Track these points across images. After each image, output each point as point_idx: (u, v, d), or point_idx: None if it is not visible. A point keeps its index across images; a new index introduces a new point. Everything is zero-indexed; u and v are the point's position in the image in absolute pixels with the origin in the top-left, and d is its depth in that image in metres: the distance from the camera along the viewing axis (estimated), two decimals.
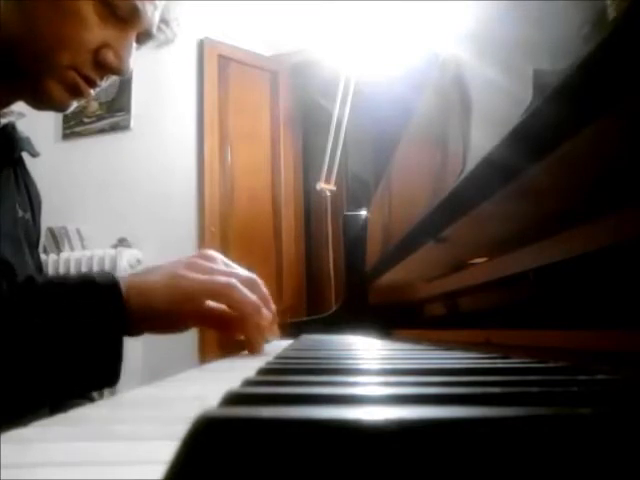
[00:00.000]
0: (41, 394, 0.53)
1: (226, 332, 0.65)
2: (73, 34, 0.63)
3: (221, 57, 3.09)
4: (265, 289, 0.63)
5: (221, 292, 0.59)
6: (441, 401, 0.18)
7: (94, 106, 3.16)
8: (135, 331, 0.59)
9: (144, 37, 0.70)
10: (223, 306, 0.62)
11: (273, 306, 0.65)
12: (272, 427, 0.12)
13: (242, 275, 0.61)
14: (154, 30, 0.70)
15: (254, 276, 0.63)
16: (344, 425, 0.12)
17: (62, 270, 2.86)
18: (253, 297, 0.60)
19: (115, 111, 3.15)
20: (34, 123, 2.53)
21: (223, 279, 0.59)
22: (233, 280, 0.59)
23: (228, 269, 0.61)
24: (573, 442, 0.12)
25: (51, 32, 0.63)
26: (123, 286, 0.56)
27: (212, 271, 0.59)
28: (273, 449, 0.12)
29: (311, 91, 3.14)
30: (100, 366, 0.54)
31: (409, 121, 0.75)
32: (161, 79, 3.12)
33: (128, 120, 3.12)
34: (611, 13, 0.21)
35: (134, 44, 0.69)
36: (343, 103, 2.55)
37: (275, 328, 0.67)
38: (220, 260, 0.63)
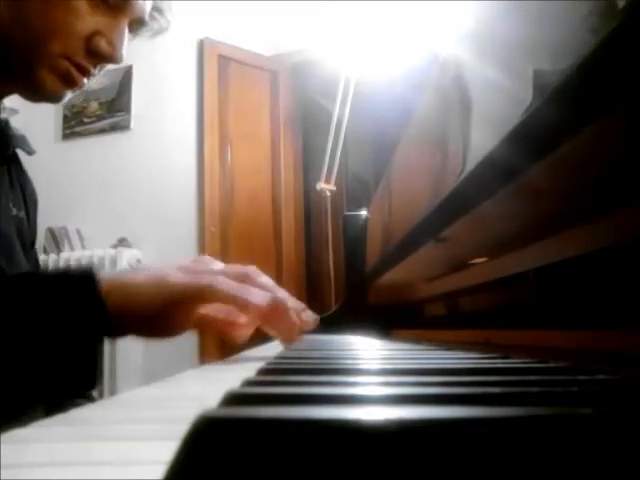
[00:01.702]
0: (17, 395, 0.48)
1: (229, 334, 0.61)
2: (64, 22, 0.63)
3: (221, 57, 3.09)
4: (265, 278, 0.58)
5: (205, 291, 0.54)
6: (441, 401, 0.18)
7: (94, 106, 3.16)
8: (117, 332, 0.55)
9: (137, 25, 0.70)
10: (222, 307, 0.58)
11: (284, 292, 0.60)
12: (272, 427, 0.12)
13: (233, 271, 0.57)
14: (147, 17, 0.70)
15: (250, 268, 0.58)
16: (344, 425, 0.12)
17: None
18: (245, 289, 0.55)
19: (115, 111, 3.15)
20: (34, 123, 2.53)
21: (207, 278, 0.54)
22: (220, 278, 0.54)
23: (218, 269, 0.57)
24: (573, 442, 0.12)
25: (42, 20, 0.62)
26: (103, 282, 0.51)
27: (199, 272, 0.55)
28: (273, 449, 0.12)
29: (311, 91, 3.14)
30: (77, 363, 0.50)
31: (409, 121, 0.75)
32: (161, 79, 3.12)
33: (128, 120, 3.12)
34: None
35: (127, 32, 0.68)
36: (343, 103, 2.55)
37: (304, 314, 0.62)
38: (215, 264, 0.58)
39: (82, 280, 0.51)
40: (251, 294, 0.54)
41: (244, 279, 0.56)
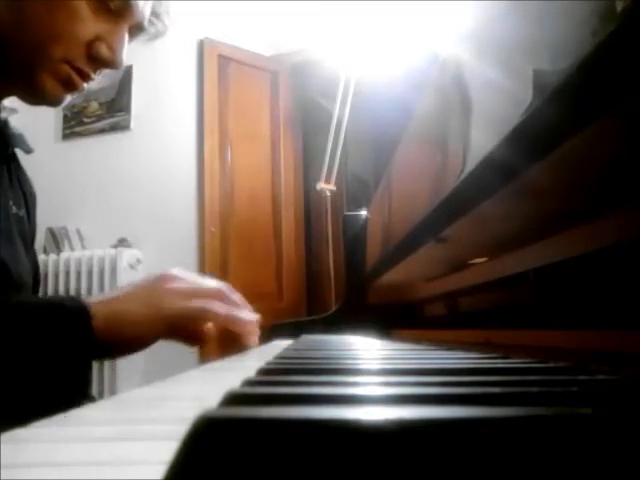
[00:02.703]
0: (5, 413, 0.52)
1: (203, 346, 0.68)
2: (66, 27, 0.63)
3: (221, 57, 3.08)
4: (235, 295, 0.66)
5: (198, 317, 0.61)
6: (441, 401, 0.18)
7: (94, 106, 3.16)
8: (115, 354, 0.61)
9: (136, 30, 0.70)
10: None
11: (248, 307, 0.68)
12: (272, 427, 0.12)
13: (211, 290, 0.64)
14: (146, 23, 0.71)
15: (221, 285, 0.65)
16: (344, 425, 0.12)
17: (62, 270, 2.86)
18: (224, 308, 0.63)
19: (115, 111, 3.15)
20: (34, 123, 2.53)
21: (197, 304, 0.61)
22: (208, 304, 0.62)
23: (197, 288, 0.63)
24: (573, 442, 0.12)
25: (44, 26, 0.63)
26: (97, 311, 0.56)
27: (186, 297, 0.61)
28: (273, 449, 0.12)
29: (311, 91, 3.14)
30: (65, 388, 0.54)
31: (409, 121, 0.75)
32: (161, 79, 3.12)
33: (128, 120, 3.12)
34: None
35: (127, 37, 0.69)
36: (343, 103, 2.55)
37: (255, 331, 0.69)
38: (186, 279, 0.64)
39: (75, 316, 0.55)
40: (242, 316, 0.64)
41: (223, 298, 0.63)
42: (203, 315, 0.61)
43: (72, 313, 0.55)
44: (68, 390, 0.54)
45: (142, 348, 0.61)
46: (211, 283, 0.65)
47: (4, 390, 0.50)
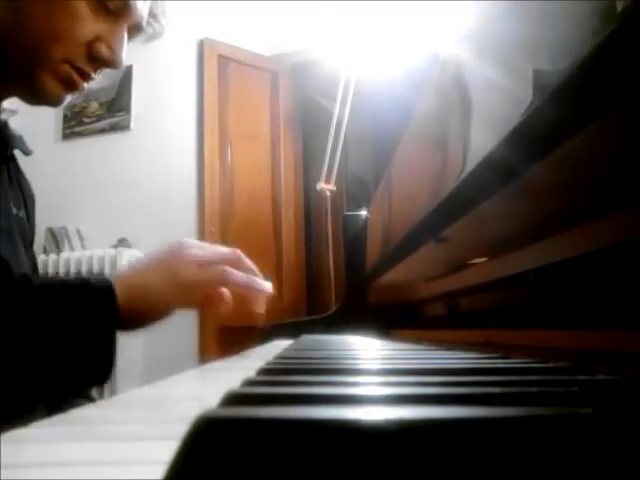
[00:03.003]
0: (34, 392, 0.54)
1: (216, 309, 0.69)
2: (67, 28, 0.64)
3: (221, 57, 3.08)
4: (248, 261, 0.68)
5: (216, 283, 0.64)
6: (441, 401, 0.18)
7: (94, 106, 3.16)
8: (135, 327, 0.62)
9: (134, 30, 0.71)
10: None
11: (260, 274, 0.70)
12: (272, 427, 0.12)
13: (227, 256, 0.66)
14: (144, 23, 0.71)
15: (236, 252, 0.67)
16: (344, 425, 0.12)
17: (62, 270, 2.86)
18: (243, 276, 0.65)
19: (115, 111, 3.15)
20: (34, 123, 2.52)
21: (217, 271, 0.64)
22: (226, 269, 0.64)
23: (213, 254, 0.66)
24: (573, 442, 0.12)
25: (44, 26, 0.64)
26: (120, 287, 0.58)
27: (203, 264, 0.64)
28: (273, 449, 0.12)
29: (311, 91, 3.14)
30: (92, 366, 0.56)
31: (409, 121, 0.75)
32: (161, 79, 3.12)
33: (128, 120, 3.12)
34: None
35: (126, 37, 0.69)
36: (343, 103, 2.55)
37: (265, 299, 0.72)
38: (201, 246, 0.67)
39: (102, 292, 0.57)
40: (258, 284, 0.66)
41: (238, 264, 0.66)
42: (221, 281, 0.64)
43: (98, 292, 0.57)
44: (94, 369, 0.56)
45: (162, 318, 0.63)
46: (225, 250, 0.68)
47: (26, 374, 0.52)
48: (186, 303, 0.64)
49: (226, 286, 0.65)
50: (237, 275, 0.65)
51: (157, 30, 0.77)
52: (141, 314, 0.60)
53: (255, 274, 0.68)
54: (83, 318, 0.55)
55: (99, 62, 0.67)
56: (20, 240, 0.73)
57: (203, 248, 0.66)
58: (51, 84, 0.66)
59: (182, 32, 2.88)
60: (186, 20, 2.80)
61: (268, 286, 0.69)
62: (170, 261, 0.63)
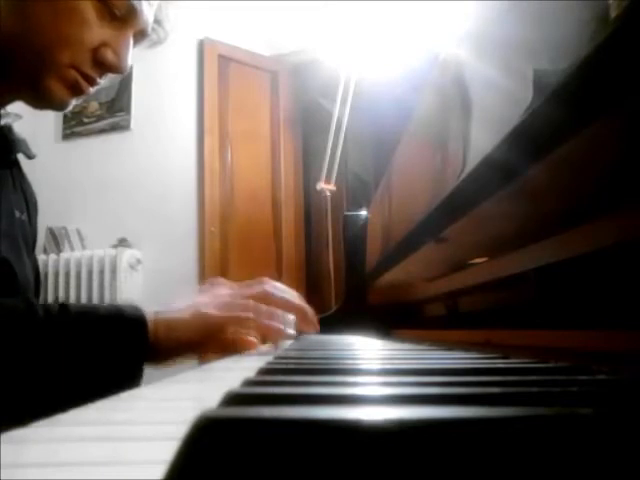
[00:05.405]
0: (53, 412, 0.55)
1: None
2: (73, 33, 0.65)
3: (221, 57, 3.08)
4: (283, 292, 0.68)
5: (243, 325, 0.64)
6: (441, 401, 0.18)
7: (94, 106, 3.16)
8: (162, 360, 0.63)
9: (139, 36, 0.72)
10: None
11: (299, 301, 0.70)
12: (272, 427, 0.12)
13: (255, 292, 0.66)
14: (149, 29, 0.72)
15: (264, 286, 0.67)
16: (344, 425, 0.12)
17: (62, 270, 2.86)
18: (268, 315, 0.65)
19: (115, 111, 3.15)
20: (34, 124, 2.52)
21: (244, 313, 0.64)
22: (252, 308, 0.64)
23: (242, 292, 0.66)
24: (573, 442, 0.12)
25: (52, 31, 0.64)
26: (151, 320, 0.60)
27: (232, 304, 0.64)
28: (273, 449, 0.12)
29: (311, 91, 3.14)
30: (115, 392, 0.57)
31: (409, 121, 0.75)
32: (161, 79, 3.12)
33: (128, 120, 3.12)
34: (613, 11, 0.21)
35: (132, 43, 0.70)
36: (343, 103, 2.55)
37: (313, 321, 0.73)
38: (228, 285, 0.67)
39: (134, 323, 0.59)
40: (282, 324, 0.65)
41: (267, 300, 0.66)
42: (239, 324, 0.63)
43: (131, 322, 0.59)
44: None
45: (185, 356, 0.64)
46: (255, 287, 0.67)
47: (52, 398, 0.53)
48: (211, 342, 0.63)
49: (244, 327, 0.64)
50: (262, 315, 0.64)
51: (161, 36, 0.77)
52: (165, 349, 0.61)
53: (287, 306, 0.68)
54: (115, 349, 0.57)
55: (105, 67, 0.68)
56: (23, 243, 0.73)
57: (232, 287, 0.67)
58: (57, 89, 0.67)
59: (182, 32, 2.88)
60: (186, 20, 2.80)
61: (292, 322, 0.68)
62: (196, 300, 0.64)
